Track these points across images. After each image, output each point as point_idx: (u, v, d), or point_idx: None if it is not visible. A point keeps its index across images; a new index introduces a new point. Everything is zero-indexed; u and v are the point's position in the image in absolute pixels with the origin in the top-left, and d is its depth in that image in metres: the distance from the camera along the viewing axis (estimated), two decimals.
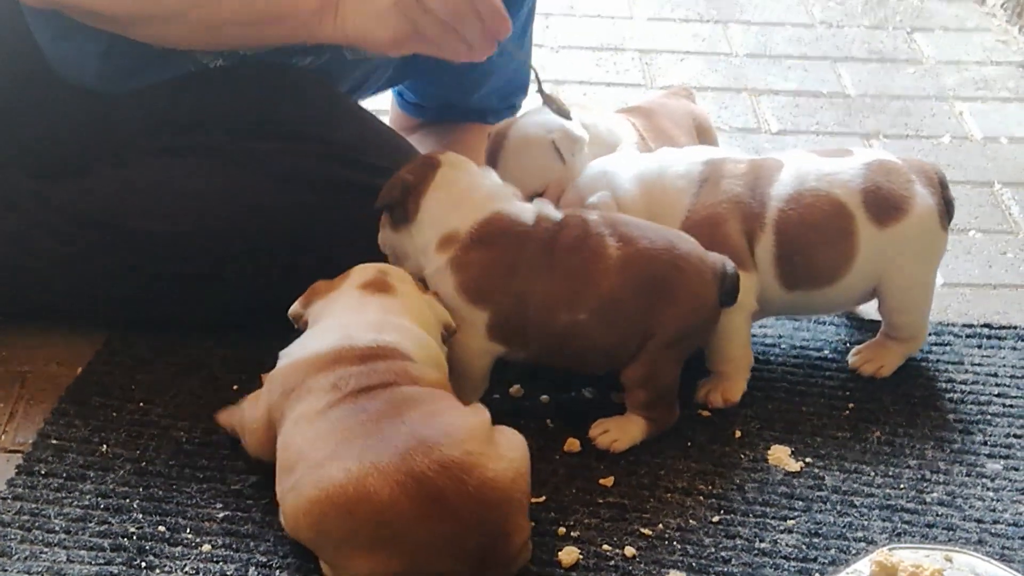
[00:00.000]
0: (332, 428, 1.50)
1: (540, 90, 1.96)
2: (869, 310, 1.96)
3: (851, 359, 1.92)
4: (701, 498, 1.67)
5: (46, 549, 1.56)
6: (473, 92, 2.25)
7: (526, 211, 1.76)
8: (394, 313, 1.64)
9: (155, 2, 1.74)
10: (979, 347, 1.97)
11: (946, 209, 1.84)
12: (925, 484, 1.71)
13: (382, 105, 2.47)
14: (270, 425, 1.59)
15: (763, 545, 1.60)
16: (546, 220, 1.75)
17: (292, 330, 1.68)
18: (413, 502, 1.42)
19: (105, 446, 1.73)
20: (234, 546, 1.58)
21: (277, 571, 1.55)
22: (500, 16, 1.68)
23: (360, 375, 1.55)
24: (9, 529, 1.59)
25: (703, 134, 2.14)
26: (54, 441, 1.74)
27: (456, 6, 1.66)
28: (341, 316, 1.64)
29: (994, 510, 1.66)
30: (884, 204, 1.81)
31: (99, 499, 1.64)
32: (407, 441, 1.45)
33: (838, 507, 1.66)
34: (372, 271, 1.69)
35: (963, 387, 1.89)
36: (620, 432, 1.75)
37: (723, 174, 1.84)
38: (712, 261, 1.74)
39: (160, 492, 1.66)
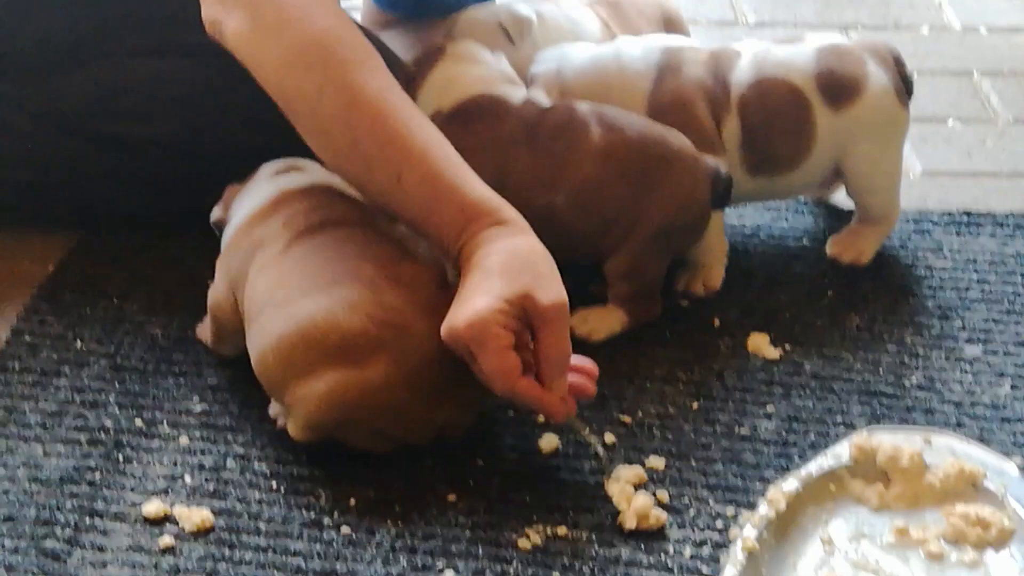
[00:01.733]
0: (294, 267, 1.52)
1: None
2: (846, 202, 1.94)
3: (829, 248, 1.91)
4: (680, 386, 1.67)
5: (22, 444, 1.56)
6: None
7: (514, 95, 1.75)
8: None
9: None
10: (958, 234, 1.97)
11: (904, 86, 1.83)
12: (904, 369, 1.71)
13: (355, 1, 2.43)
14: (236, 304, 1.59)
15: (743, 431, 1.60)
16: (533, 104, 1.74)
17: None
18: (382, 331, 1.45)
19: (80, 342, 1.72)
20: (212, 439, 1.57)
21: (255, 462, 1.54)
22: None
23: (309, 211, 1.57)
24: None
25: (672, 26, 2.12)
26: (28, 338, 1.73)
27: None
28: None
29: (972, 393, 1.66)
30: (838, 87, 1.80)
31: (75, 394, 1.63)
32: (374, 277, 1.48)
33: (817, 392, 1.66)
34: (281, 162, 1.69)
35: (942, 274, 1.88)
36: (599, 322, 1.74)
37: (683, 60, 1.82)
38: (707, 162, 1.72)
39: (136, 387, 1.65)
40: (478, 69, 1.77)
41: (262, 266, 1.55)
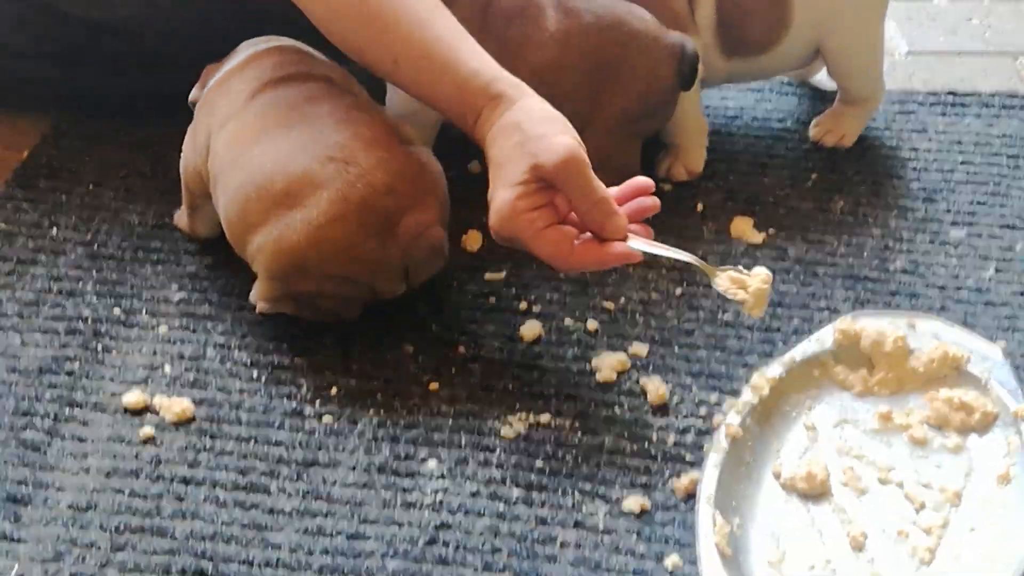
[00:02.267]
0: (252, 120, 1.52)
1: None
2: (830, 82, 1.92)
3: (812, 131, 1.89)
4: (663, 271, 1.66)
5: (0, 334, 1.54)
6: None
7: None
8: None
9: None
10: (943, 115, 1.95)
11: None
12: (888, 253, 1.70)
13: None
14: (205, 164, 1.58)
15: (726, 316, 1.59)
16: None
17: None
18: (325, 168, 1.45)
19: (56, 229, 1.70)
20: (191, 327, 1.56)
21: (236, 351, 1.53)
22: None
23: (274, 66, 1.58)
24: None
25: None
26: (3, 226, 1.71)
27: None
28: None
29: (956, 276, 1.66)
30: None
31: (52, 283, 1.62)
32: (323, 119, 1.49)
33: (801, 277, 1.65)
34: (262, 39, 1.67)
35: (927, 155, 1.87)
36: None
37: None
38: (670, 40, 1.68)
39: (114, 275, 1.63)
40: None
41: (224, 120, 1.55)
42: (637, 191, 1.45)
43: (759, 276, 1.41)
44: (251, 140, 1.50)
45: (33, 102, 1.90)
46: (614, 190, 1.43)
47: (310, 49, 1.64)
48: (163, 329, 1.56)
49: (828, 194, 1.79)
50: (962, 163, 1.85)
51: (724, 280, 1.42)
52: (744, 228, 1.73)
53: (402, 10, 1.48)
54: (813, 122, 1.89)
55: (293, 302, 1.51)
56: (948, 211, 1.77)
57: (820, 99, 1.95)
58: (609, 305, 1.60)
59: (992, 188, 1.80)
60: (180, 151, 1.64)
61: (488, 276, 1.64)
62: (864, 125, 1.88)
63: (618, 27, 1.67)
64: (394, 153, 1.48)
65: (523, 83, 1.46)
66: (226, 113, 1.55)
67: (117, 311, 1.58)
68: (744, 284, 1.41)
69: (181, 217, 1.68)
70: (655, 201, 1.44)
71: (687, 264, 1.42)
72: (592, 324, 1.57)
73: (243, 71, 1.60)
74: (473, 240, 1.69)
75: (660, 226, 1.70)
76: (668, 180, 1.80)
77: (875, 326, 1.46)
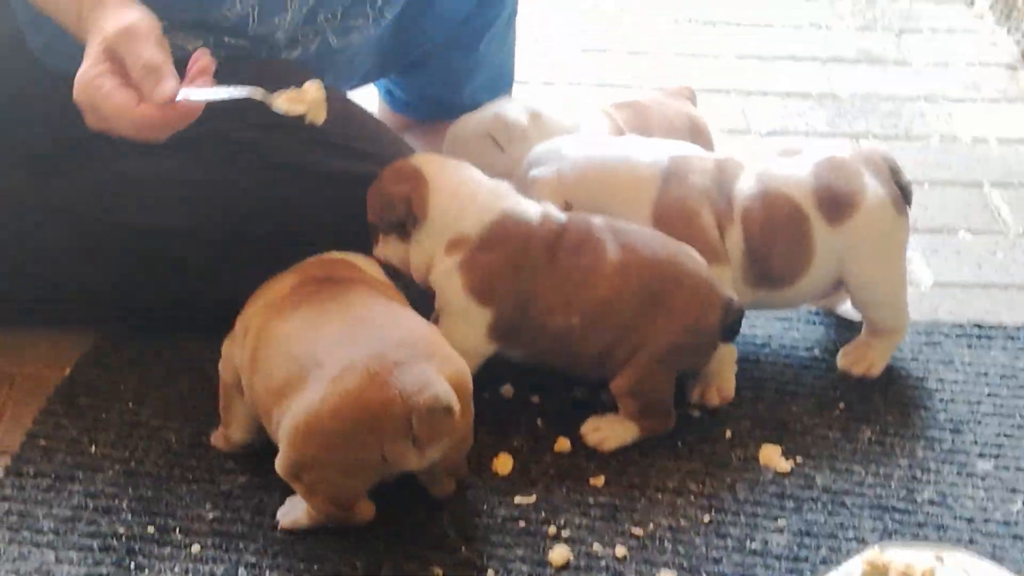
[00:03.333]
0: (296, 306, 1.59)
1: None
2: (856, 312, 1.95)
3: (840, 361, 1.91)
4: (692, 498, 1.67)
5: (35, 550, 1.56)
6: (462, 86, 2.25)
7: (531, 209, 1.75)
8: None
9: None
10: (969, 347, 1.97)
11: (901, 195, 1.83)
12: (916, 483, 1.71)
13: (370, 106, 2.46)
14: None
15: (754, 545, 1.60)
16: (550, 221, 1.75)
17: None
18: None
19: (94, 447, 1.72)
20: (224, 547, 1.58)
21: (267, 571, 1.54)
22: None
23: (322, 265, 1.68)
24: None
25: (698, 137, 2.13)
26: (43, 442, 1.73)
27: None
28: None
29: (985, 509, 1.66)
30: (835, 202, 1.81)
31: (88, 500, 1.64)
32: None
33: (829, 507, 1.66)
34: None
35: (953, 387, 1.89)
36: (610, 431, 1.75)
37: (690, 169, 1.84)
38: (720, 291, 1.74)
39: (149, 493, 1.65)
40: (475, 177, 1.78)
41: (265, 306, 1.63)
42: (195, 58, 1.57)
43: (313, 86, 1.56)
44: (288, 325, 1.57)
45: (77, 317, 1.94)
46: None
47: (362, 259, 1.72)
48: (196, 548, 1.57)
49: (856, 423, 1.81)
50: (988, 395, 1.87)
51: (283, 102, 1.56)
52: (772, 456, 1.75)
53: None
54: (841, 352, 1.92)
55: (308, 489, 1.53)
56: (975, 443, 1.78)
57: (847, 328, 1.98)
58: (638, 531, 1.61)
59: (1019, 421, 1.82)
60: (216, 370, 1.67)
61: (518, 500, 1.66)
62: (891, 355, 1.90)
63: (673, 264, 1.73)
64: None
65: None
66: (267, 300, 1.63)
67: (151, 529, 1.60)
68: (301, 98, 1.55)
69: (218, 437, 1.71)
70: (207, 63, 1.57)
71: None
72: (621, 550, 1.58)
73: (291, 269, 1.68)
74: (503, 464, 1.71)
75: (689, 453, 1.74)
76: (698, 406, 1.82)
77: (903, 558, 1.46)
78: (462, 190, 1.75)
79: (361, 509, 1.56)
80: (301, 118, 1.57)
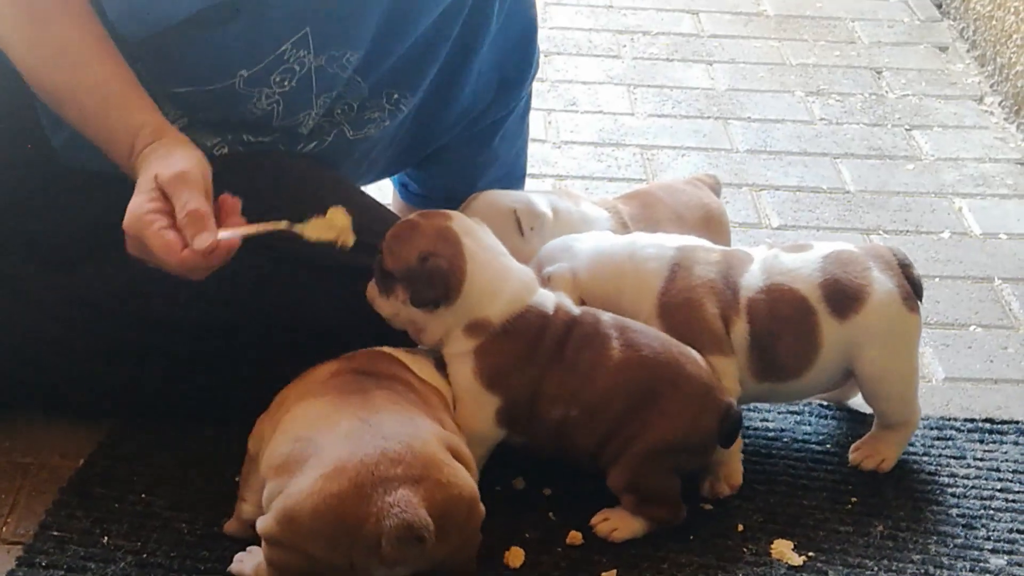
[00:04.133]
0: (326, 395, 1.62)
1: None
2: (867, 405, 1.95)
3: (851, 456, 1.91)
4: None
5: None
6: (476, 180, 2.27)
7: (548, 301, 1.77)
8: None
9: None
10: (981, 442, 1.97)
11: (913, 290, 1.84)
12: None
13: (384, 198, 2.49)
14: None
15: None
16: (564, 313, 1.76)
17: None
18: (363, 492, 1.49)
19: (107, 538, 1.73)
20: None
21: None
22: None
23: (364, 357, 1.72)
24: None
25: (713, 226, 2.15)
26: (55, 533, 1.73)
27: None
28: None
29: None
30: (842, 296, 1.82)
31: None
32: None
33: None
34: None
35: (965, 481, 1.89)
36: (621, 522, 1.75)
37: (695, 260, 1.86)
38: (718, 396, 1.75)
39: None
40: (507, 264, 1.78)
41: (302, 391, 1.67)
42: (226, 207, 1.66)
43: (338, 212, 1.65)
44: (310, 408, 1.61)
45: (91, 407, 1.95)
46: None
47: (411, 358, 1.74)
48: None
49: (868, 518, 1.81)
50: (1000, 490, 1.87)
51: (312, 231, 1.65)
52: (784, 550, 1.74)
53: (90, 61, 1.74)
54: (852, 446, 1.92)
55: (271, 562, 1.54)
56: (988, 538, 1.78)
57: (859, 422, 1.99)
58: None
59: None
60: (229, 460, 1.69)
61: None
62: (902, 450, 1.91)
63: (672, 366, 1.74)
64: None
65: (168, 125, 1.74)
66: (306, 382, 1.67)
67: None
68: (330, 225, 1.64)
69: (231, 524, 1.72)
70: (233, 200, 1.67)
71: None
72: None
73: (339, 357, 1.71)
74: (515, 557, 1.71)
75: (701, 546, 1.74)
76: (709, 499, 1.82)
77: None
78: (497, 276, 1.75)
79: None
80: (331, 243, 1.65)
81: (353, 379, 1.65)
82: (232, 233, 1.62)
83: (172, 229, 1.60)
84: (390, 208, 2.35)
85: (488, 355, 1.73)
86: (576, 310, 1.78)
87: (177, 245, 1.60)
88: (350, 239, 1.65)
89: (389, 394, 1.63)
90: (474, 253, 1.74)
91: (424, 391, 1.70)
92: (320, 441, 1.54)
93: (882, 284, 1.83)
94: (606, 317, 1.78)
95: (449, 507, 1.51)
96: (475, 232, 1.78)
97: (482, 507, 1.57)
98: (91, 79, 1.75)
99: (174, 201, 1.62)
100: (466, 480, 1.55)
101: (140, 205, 1.62)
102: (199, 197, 1.62)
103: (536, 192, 2.14)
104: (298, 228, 1.65)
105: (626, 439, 1.72)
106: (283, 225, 1.64)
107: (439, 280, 1.71)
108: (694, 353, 1.77)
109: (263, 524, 1.53)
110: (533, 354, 1.73)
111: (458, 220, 1.78)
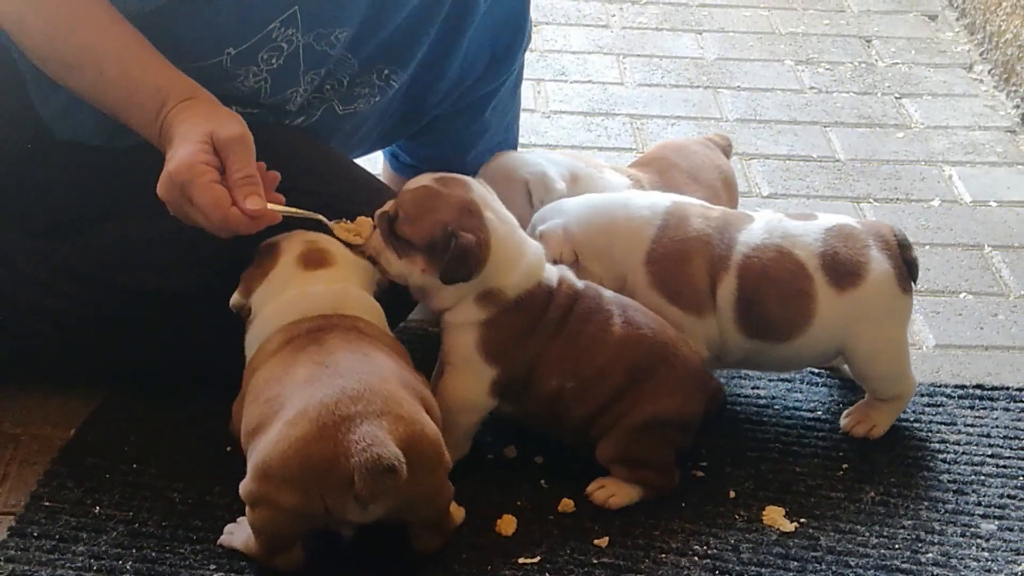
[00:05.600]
0: (283, 355, 1.64)
1: None
2: None
3: (843, 421, 1.92)
4: (696, 559, 1.67)
5: None
6: (467, 151, 2.27)
7: (553, 275, 1.77)
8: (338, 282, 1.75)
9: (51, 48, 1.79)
10: (971, 408, 1.98)
11: (908, 270, 1.85)
12: (920, 544, 1.71)
13: (374, 168, 2.48)
14: None
15: None
16: (568, 286, 1.76)
17: None
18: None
19: (98, 507, 1.72)
20: None
21: None
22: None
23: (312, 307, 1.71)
24: None
25: (728, 188, 2.16)
26: (47, 503, 1.73)
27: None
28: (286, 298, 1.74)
29: (989, 571, 1.66)
30: (841, 269, 1.82)
31: (92, 561, 1.64)
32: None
33: (833, 567, 1.66)
34: (300, 244, 1.76)
35: (956, 448, 1.89)
36: (617, 488, 1.75)
37: (690, 214, 1.86)
38: (707, 379, 1.79)
39: (153, 553, 1.65)
40: (523, 239, 1.77)
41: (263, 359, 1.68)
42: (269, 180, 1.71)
43: (367, 223, 1.75)
44: (279, 372, 1.62)
45: (83, 376, 1.95)
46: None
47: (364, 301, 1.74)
48: None
49: (859, 484, 1.82)
50: (991, 456, 1.87)
51: (341, 232, 1.75)
52: (776, 517, 1.75)
53: (107, 30, 1.76)
54: (844, 413, 1.92)
55: (253, 522, 1.56)
56: (979, 504, 1.78)
57: (850, 389, 1.99)
58: None
59: (1022, 482, 1.82)
60: (220, 428, 1.70)
61: (522, 560, 1.66)
62: (895, 417, 1.91)
63: (669, 346, 1.76)
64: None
65: (198, 85, 1.75)
66: (262, 356, 1.68)
67: None
68: (358, 231, 1.73)
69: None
70: (275, 173, 1.72)
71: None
72: None
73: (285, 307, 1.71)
74: (507, 524, 1.71)
75: (693, 513, 1.74)
76: (699, 467, 1.83)
77: None
78: (515, 250, 1.74)
79: (289, 557, 1.59)
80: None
81: (307, 336, 1.66)
82: (277, 208, 1.66)
83: (222, 185, 1.63)
84: (379, 179, 2.35)
85: (495, 328, 1.73)
86: (579, 284, 1.78)
87: (227, 200, 1.62)
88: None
89: (344, 335, 1.65)
90: (496, 227, 1.73)
91: (382, 336, 1.70)
92: (284, 395, 1.57)
93: (879, 264, 1.83)
94: (608, 294, 1.79)
95: (413, 441, 1.53)
96: (493, 204, 1.76)
97: (448, 456, 1.58)
98: (111, 41, 1.75)
99: (231, 161, 1.64)
100: (428, 421, 1.57)
101: (193, 155, 1.63)
102: (253, 163, 1.66)
103: (558, 158, 2.13)
104: (331, 224, 1.75)
105: (619, 413, 1.73)
106: (319, 217, 1.74)
107: (472, 259, 1.69)
108: (688, 339, 1.79)
109: (243, 488, 1.55)
110: (537, 327, 1.73)
111: (477, 191, 1.76)
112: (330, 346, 1.62)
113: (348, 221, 1.77)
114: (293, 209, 1.70)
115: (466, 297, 1.73)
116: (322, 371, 1.57)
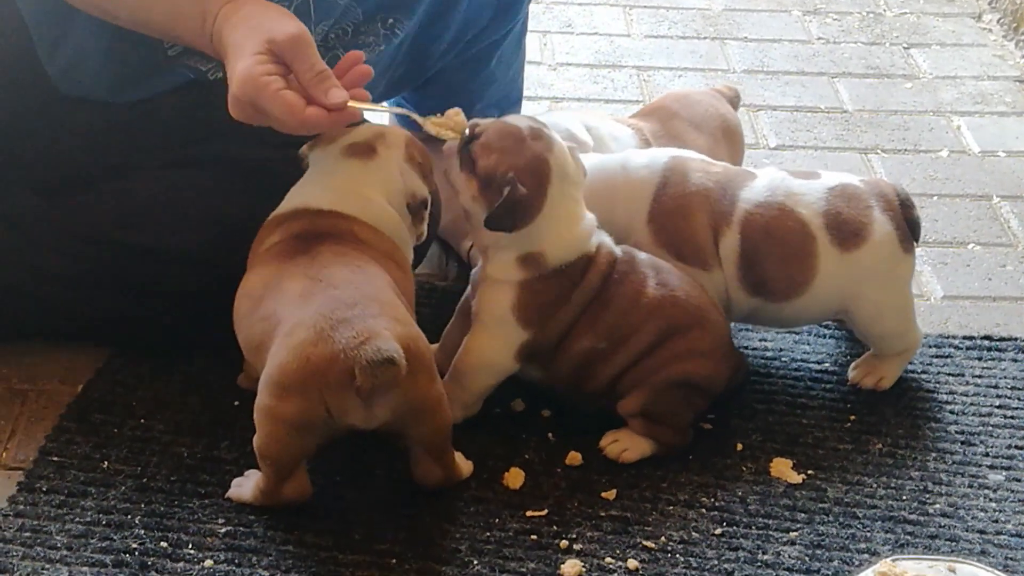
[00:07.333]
0: (276, 266, 1.67)
1: None
2: None
3: (850, 373, 1.92)
4: (704, 511, 1.67)
5: (48, 566, 1.56)
6: (473, 103, 2.25)
7: (594, 241, 1.76)
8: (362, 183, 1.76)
9: None
10: (979, 359, 1.97)
11: (910, 230, 1.84)
12: (927, 495, 1.71)
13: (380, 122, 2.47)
14: None
15: (766, 557, 1.60)
16: (607, 253, 1.76)
17: None
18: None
19: (106, 463, 1.73)
20: (236, 561, 1.58)
21: None
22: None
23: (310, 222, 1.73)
24: (11, 546, 1.59)
25: (730, 138, 2.15)
26: (55, 458, 1.74)
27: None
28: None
29: (996, 521, 1.67)
30: (844, 229, 1.82)
31: (101, 515, 1.64)
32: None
33: (840, 519, 1.66)
34: (366, 134, 1.78)
35: (964, 399, 1.89)
36: (631, 442, 1.75)
37: (690, 169, 1.86)
38: (733, 351, 1.80)
39: (162, 508, 1.66)
40: (581, 212, 1.76)
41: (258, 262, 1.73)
42: (351, 62, 1.67)
43: (457, 114, 1.73)
44: (272, 286, 1.64)
45: (90, 335, 1.95)
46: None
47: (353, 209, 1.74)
48: (208, 563, 1.57)
49: (866, 436, 1.82)
50: (999, 407, 1.87)
51: (432, 125, 1.72)
52: (783, 469, 1.75)
53: None
54: (852, 365, 1.92)
55: (259, 444, 1.58)
56: (986, 455, 1.78)
57: (858, 342, 1.98)
58: (650, 544, 1.62)
59: None
60: (227, 385, 1.70)
61: (530, 513, 1.66)
62: (902, 369, 1.91)
63: (703, 309, 1.77)
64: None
65: None
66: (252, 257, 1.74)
67: (164, 544, 1.60)
68: (448, 124, 1.71)
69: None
70: (368, 68, 1.67)
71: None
72: (632, 563, 1.59)
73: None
74: (515, 477, 1.71)
75: (700, 466, 1.74)
76: (707, 419, 1.83)
77: (915, 570, 1.47)
78: (566, 222, 1.74)
79: (296, 484, 1.60)
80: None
81: (295, 243, 1.68)
82: (361, 106, 1.65)
83: (292, 90, 1.60)
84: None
85: (532, 292, 1.73)
86: (617, 250, 1.78)
87: (300, 105, 1.60)
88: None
89: (336, 248, 1.67)
90: (553, 197, 1.72)
91: (373, 241, 1.72)
92: (280, 312, 1.59)
93: (882, 225, 1.82)
94: (641, 255, 1.79)
95: (410, 342, 1.55)
96: (566, 173, 1.74)
97: (440, 383, 1.61)
98: None
99: (297, 63, 1.61)
100: (417, 330, 1.60)
101: (252, 68, 1.61)
102: (319, 56, 1.63)
103: (567, 112, 2.11)
104: (420, 120, 1.72)
105: (648, 368, 1.73)
106: (407, 110, 1.74)
107: (518, 213, 1.69)
108: (716, 304, 1.80)
109: (256, 404, 1.58)
110: (573, 294, 1.73)
111: (557, 154, 1.74)
112: (323, 258, 1.64)
113: (439, 114, 1.74)
114: (377, 105, 1.69)
115: (508, 252, 1.73)
116: (316, 285, 1.59)
